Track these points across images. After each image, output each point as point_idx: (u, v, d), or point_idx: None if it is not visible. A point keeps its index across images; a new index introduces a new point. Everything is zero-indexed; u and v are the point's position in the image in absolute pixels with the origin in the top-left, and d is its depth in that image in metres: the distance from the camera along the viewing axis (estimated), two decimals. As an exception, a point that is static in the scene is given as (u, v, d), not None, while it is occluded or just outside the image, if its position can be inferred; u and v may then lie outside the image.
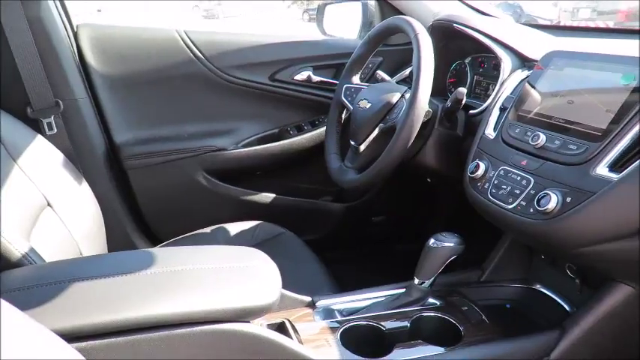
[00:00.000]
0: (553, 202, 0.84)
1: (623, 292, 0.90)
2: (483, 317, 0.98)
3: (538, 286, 1.10)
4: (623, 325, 0.92)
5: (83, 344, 0.64)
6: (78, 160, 1.34)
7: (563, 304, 1.04)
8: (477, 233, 1.17)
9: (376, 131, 1.22)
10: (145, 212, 1.54)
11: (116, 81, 1.45)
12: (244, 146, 1.58)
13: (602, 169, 0.82)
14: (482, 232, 1.16)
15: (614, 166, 0.82)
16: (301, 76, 1.61)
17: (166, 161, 1.50)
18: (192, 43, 1.50)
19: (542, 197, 0.86)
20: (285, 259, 1.30)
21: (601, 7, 10.91)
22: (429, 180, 1.57)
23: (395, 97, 1.21)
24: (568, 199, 0.84)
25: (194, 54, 1.50)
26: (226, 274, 0.75)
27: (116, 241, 1.41)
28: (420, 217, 1.80)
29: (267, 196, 1.63)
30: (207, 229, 1.42)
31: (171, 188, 1.53)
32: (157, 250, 0.81)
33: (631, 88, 0.84)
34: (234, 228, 1.42)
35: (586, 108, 0.90)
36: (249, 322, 0.73)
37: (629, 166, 0.79)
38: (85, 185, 1.30)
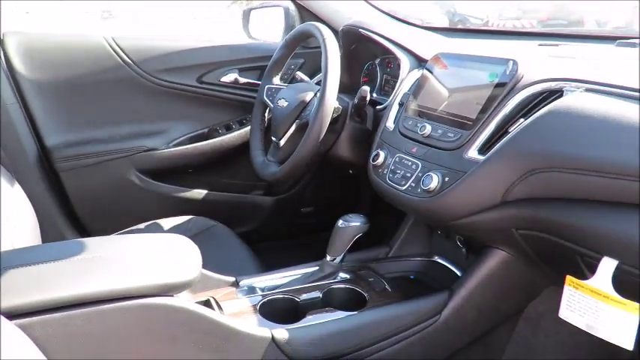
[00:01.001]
0: (434, 182, 0.99)
1: (498, 256, 1.06)
2: (386, 286, 1.13)
3: (436, 258, 1.26)
4: (501, 284, 1.09)
5: (21, 321, 0.73)
6: (10, 163, 1.39)
7: (455, 270, 1.20)
8: (396, 216, 1.32)
9: (293, 127, 1.34)
10: (80, 212, 1.60)
11: (46, 87, 1.51)
12: (175, 145, 1.67)
13: (472, 152, 0.98)
14: (400, 215, 1.31)
15: (482, 150, 0.98)
16: (228, 77, 1.71)
17: (99, 162, 1.57)
18: (121, 49, 1.57)
19: (426, 178, 1.01)
20: (215, 248, 1.41)
21: (525, 7, 11.53)
22: (351, 172, 1.71)
23: (308, 96, 1.33)
24: (446, 179, 0.99)
25: (122, 59, 1.57)
26: (150, 256, 0.85)
27: (51, 241, 1.47)
28: (345, 206, 1.94)
29: (199, 193, 1.73)
30: (142, 226, 1.50)
31: (104, 188, 1.60)
32: (87, 240, 0.89)
33: (494, 84, 1.00)
34: (167, 223, 1.51)
35: (461, 101, 1.06)
36: (172, 296, 0.83)
37: (492, 148, 0.95)
38: (18, 188, 1.35)
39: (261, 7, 1.91)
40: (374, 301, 1.07)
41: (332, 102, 1.22)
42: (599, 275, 0.82)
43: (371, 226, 1.24)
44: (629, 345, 0.80)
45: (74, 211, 1.59)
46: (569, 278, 0.88)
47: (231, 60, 1.71)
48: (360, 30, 1.46)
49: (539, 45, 1.39)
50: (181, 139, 1.69)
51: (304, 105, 1.33)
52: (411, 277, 1.24)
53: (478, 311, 1.09)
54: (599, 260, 0.82)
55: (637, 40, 1.22)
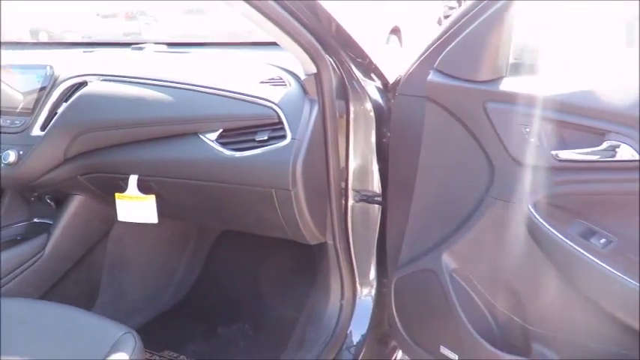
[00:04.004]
0: (12, 157, 1.39)
1: (77, 199, 1.54)
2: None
3: (35, 219, 1.65)
4: (84, 218, 1.58)
5: None
6: None
7: (49, 222, 1.61)
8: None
9: None
10: None
11: None
12: None
13: (36, 131, 1.41)
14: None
15: (43, 128, 1.41)
16: None
17: None
18: None
19: (6, 155, 1.39)
20: None
21: (104, 12, 11.96)
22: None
23: None
24: (21, 152, 1.39)
25: None
26: None
27: None
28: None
29: None
30: None
31: None
32: None
33: (40, 84, 1.44)
34: None
35: (22, 98, 1.46)
36: None
37: (48, 126, 1.40)
38: None
39: None
40: (-14, 257, 1.39)
41: None
42: (130, 187, 1.39)
43: None
44: (154, 219, 1.41)
45: None
46: (117, 195, 1.42)
47: None
48: None
49: (84, 52, 1.89)
50: None
51: None
52: (18, 237, 1.59)
53: (72, 241, 1.55)
54: (127, 178, 1.39)
55: (144, 45, 1.86)
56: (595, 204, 0.96)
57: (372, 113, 1.34)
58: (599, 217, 0.96)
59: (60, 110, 1.41)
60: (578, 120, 0.94)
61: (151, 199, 1.40)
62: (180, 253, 1.88)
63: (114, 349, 1.01)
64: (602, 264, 0.92)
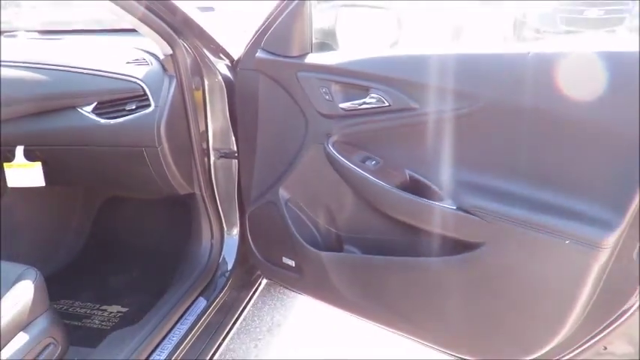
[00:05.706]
0: None
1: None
2: None
3: None
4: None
5: None
6: None
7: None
8: None
9: None
10: None
11: None
12: None
13: None
14: None
15: None
16: None
17: None
18: None
19: None
20: None
21: None
22: None
23: None
24: None
25: None
26: None
27: None
28: None
29: None
30: None
31: None
32: None
33: None
34: None
35: None
36: None
37: None
38: None
39: None
40: None
41: None
42: (17, 156, 1.63)
43: None
44: (42, 183, 1.65)
45: None
46: (5, 164, 1.65)
47: None
48: None
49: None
50: None
51: None
52: None
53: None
54: (14, 149, 1.62)
55: (16, 33, 2.04)
56: (369, 138, 1.40)
57: (223, 85, 1.69)
58: (371, 146, 1.40)
59: None
60: (353, 81, 1.36)
61: (38, 165, 1.65)
62: (69, 217, 2.11)
63: (17, 281, 1.25)
64: (373, 178, 1.36)
